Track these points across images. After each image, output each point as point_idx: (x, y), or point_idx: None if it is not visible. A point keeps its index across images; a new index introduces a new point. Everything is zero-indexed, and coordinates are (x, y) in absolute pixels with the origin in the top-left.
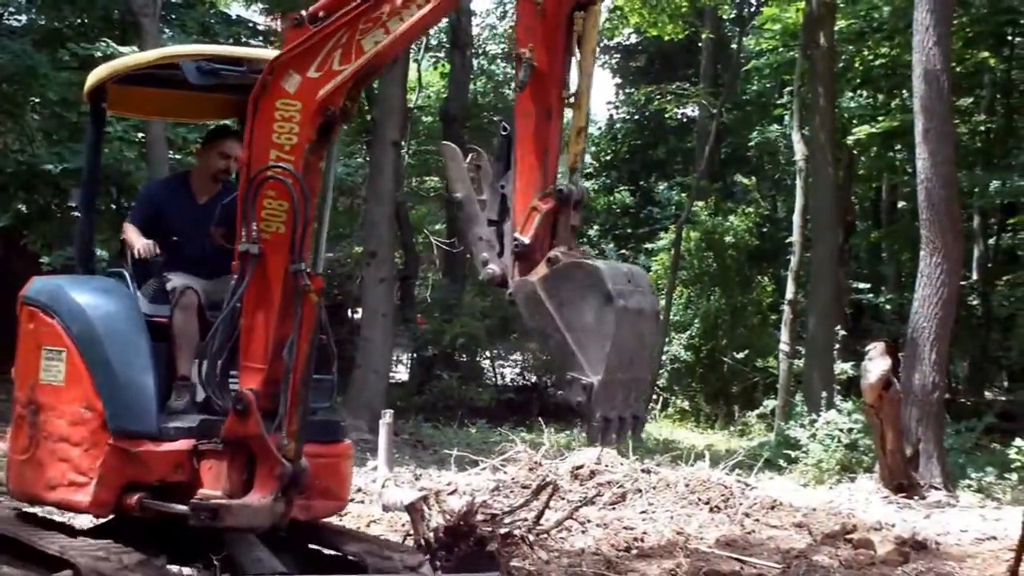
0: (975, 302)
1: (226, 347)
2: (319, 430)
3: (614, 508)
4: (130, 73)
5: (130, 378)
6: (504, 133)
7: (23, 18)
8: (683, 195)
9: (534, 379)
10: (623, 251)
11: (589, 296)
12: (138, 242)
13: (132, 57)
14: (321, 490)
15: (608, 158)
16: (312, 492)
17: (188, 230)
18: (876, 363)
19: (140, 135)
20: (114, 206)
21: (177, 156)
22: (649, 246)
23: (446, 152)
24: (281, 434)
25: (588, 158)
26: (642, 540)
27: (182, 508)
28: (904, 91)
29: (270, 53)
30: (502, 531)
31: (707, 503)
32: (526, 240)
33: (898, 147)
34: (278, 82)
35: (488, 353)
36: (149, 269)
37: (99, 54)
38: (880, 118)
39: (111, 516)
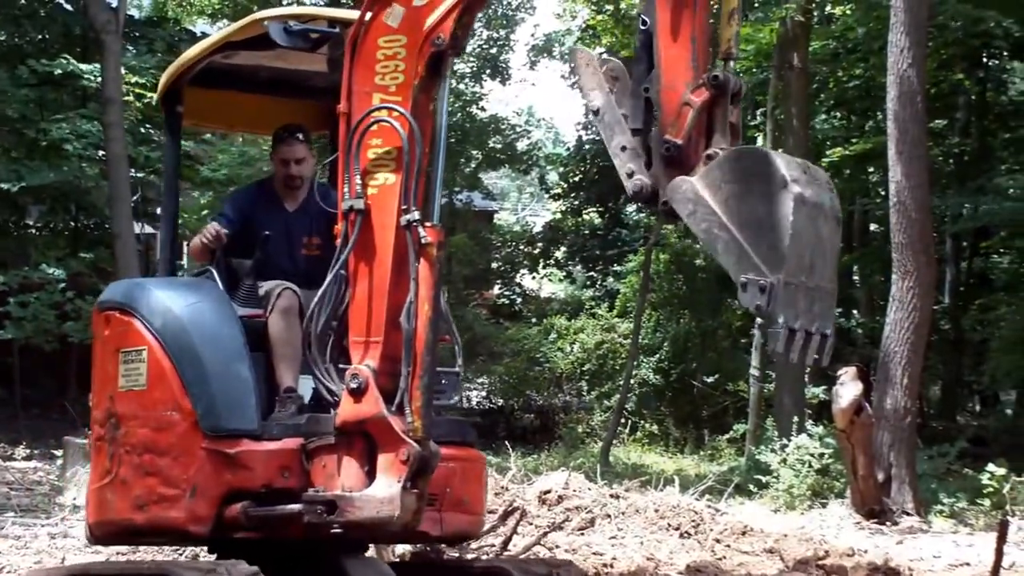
0: (947, 326)
1: (332, 323)
2: (448, 430)
3: (583, 534)
4: (208, 67)
5: (223, 371)
6: (643, 27)
7: None
8: (652, 217)
9: (500, 402)
10: (592, 273)
11: (759, 184)
12: (206, 230)
13: (206, 40)
14: (454, 501)
15: (577, 179)
16: (443, 503)
17: (278, 240)
18: (848, 387)
19: (101, 152)
20: (73, 223)
21: (139, 174)
22: (618, 268)
23: (579, 58)
24: (405, 413)
25: (555, 178)
26: (611, 566)
27: (294, 507)
28: (878, 113)
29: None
30: (469, 557)
31: (677, 528)
32: (678, 141)
33: (871, 169)
34: (379, 17)
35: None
36: (237, 274)
37: (59, 71)
38: (854, 140)
39: (211, 536)
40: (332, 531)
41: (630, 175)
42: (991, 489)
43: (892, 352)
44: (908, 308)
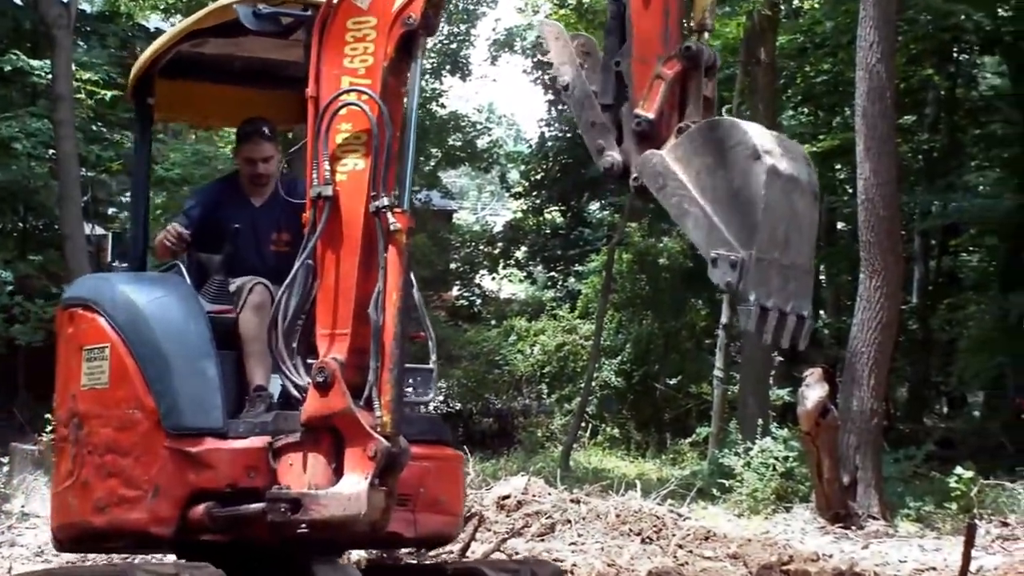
0: (915, 326)
1: (300, 314)
2: (422, 428)
3: (542, 539)
4: (178, 56)
5: (187, 368)
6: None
7: None
8: (615, 215)
9: (458, 406)
10: (553, 273)
11: (731, 156)
12: (168, 230)
13: (175, 28)
14: (428, 501)
15: (538, 177)
16: (417, 503)
17: (246, 236)
18: (813, 389)
19: (50, 151)
20: (21, 224)
21: (90, 174)
22: (580, 268)
23: (548, 31)
24: (374, 408)
25: (516, 176)
26: (572, 573)
27: (258, 506)
28: (846, 108)
29: None
30: (427, 563)
31: (639, 534)
32: (650, 116)
33: (839, 166)
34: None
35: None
36: (206, 269)
37: (8, 67)
38: (821, 136)
39: (174, 538)
40: (298, 531)
41: (600, 151)
42: (958, 492)
43: (859, 353)
44: (875, 308)
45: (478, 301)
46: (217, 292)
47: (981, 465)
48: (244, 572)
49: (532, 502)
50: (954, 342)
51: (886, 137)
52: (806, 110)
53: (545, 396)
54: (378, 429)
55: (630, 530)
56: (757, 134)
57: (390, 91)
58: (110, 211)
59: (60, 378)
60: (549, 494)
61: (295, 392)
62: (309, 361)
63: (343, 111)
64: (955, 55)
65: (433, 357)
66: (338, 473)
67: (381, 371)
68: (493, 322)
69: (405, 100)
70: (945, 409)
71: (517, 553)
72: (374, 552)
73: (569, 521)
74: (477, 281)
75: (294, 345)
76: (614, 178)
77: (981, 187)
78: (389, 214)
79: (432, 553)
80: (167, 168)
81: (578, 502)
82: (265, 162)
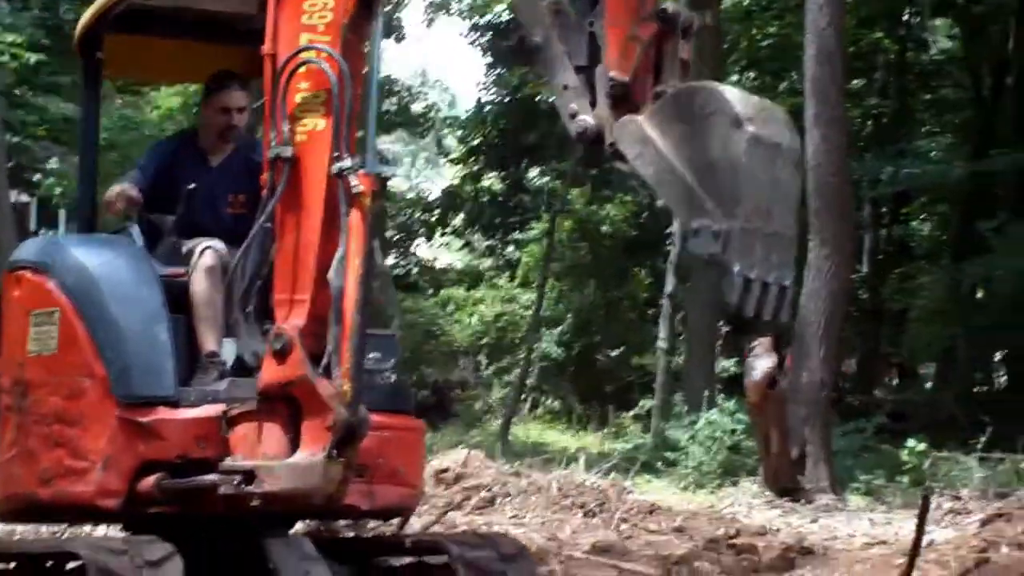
0: (865, 296)
1: (256, 279)
2: (383, 397)
3: (482, 513)
4: (128, 9)
5: (139, 334)
6: None
7: None
8: (556, 182)
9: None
10: (491, 241)
11: (711, 124)
12: (114, 189)
13: None
14: (387, 472)
15: (476, 143)
16: (375, 474)
17: (201, 196)
18: (761, 360)
19: None
20: None
21: (15, 139)
22: (520, 236)
23: None
24: (333, 376)
25: (453, 142)
26: None
27: (210, 478)
28: (794, 73)
29: None
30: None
31: (581, 507)
32: (625, 79)
33: None
34: None
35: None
36: (159, 230)
37: None
38: None
39: (123, 511)
40: (252, 504)
41: (573, 115)
42: (910, 466)
43: (808, 323)
44: (825, 277)
45: (414, 270)
46: (170, 254)
47: (933, 438)
48: (195, 545)
49: (471, 476)
50: (905, 312)
51: (835, 102)
52: (752, 74)
53: (483, 368)
54: (337, 399)
55: (572, 504)
56: (738, 100)
57: (351, 48)
58: (35, 178)
59: (5, 344)
60: (489, 467)
61: (251, 359)
62: (265, 327)
63: (302, 69)
64: (906, 18)
65: (397, 322)
66: (294, 444)
67: (341, 339)
68: (430, 291)
69: (367, 57)
70: (896, 381)
71: (456, 527)
72: (324, 524)
73: (509, 495)
74: (413, 249)
75: (250, 310)
76: (587, 143)
77: (933, 153)
78: (352, 176)
79: (370, 526)
80: None
81: (519, 475)
82: (240, 112)
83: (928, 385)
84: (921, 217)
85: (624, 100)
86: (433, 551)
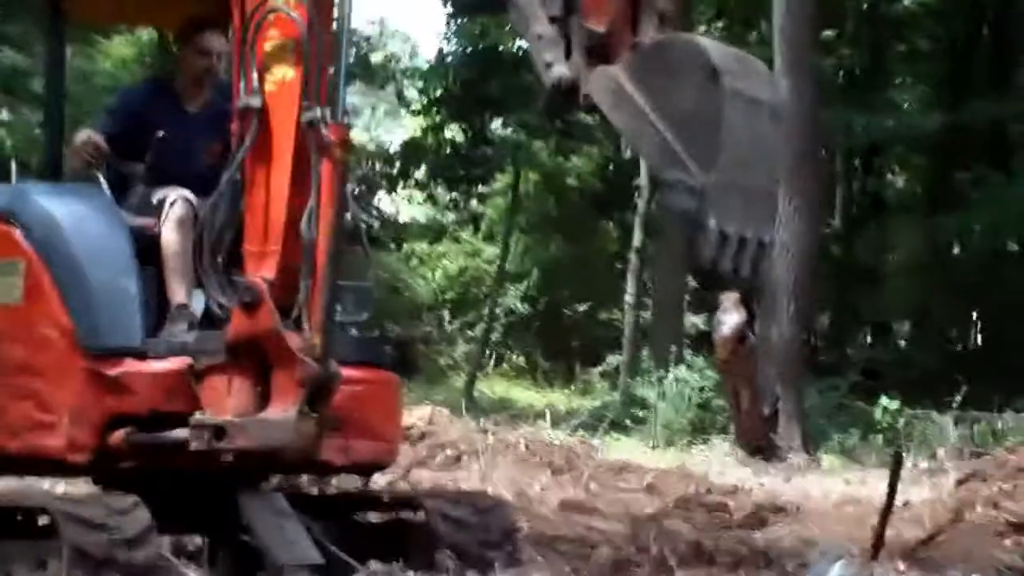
0: (838, 252)
1: (226, 230)
2: (357, 349)
3: (449, 471)
4: None
5: (106, 285)
6: None
7: None
8: (520, 134)
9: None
10: (454, 194)
11: (688, 76)
12: (80, 135)
13: None
14: (361, 427)
15: (438, 94)
16: (350, 429)
17: (174, 144)
18: (730, 315)
19: None
20: None
21: None
22: (483, 189)
23: None
24: (304, 330)
25: (414, 93)
26: None
27: (180, 433)
28: (763, 22)
29: None
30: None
31: (549, 466)
32: (600, 29)
33: None
34: None
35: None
36: (128, 179)
37: None
38: None
39: (92, 466)
40: (223, 460)
41: (548, 66)
42: (884, 425)
43: (778, 277)
44: (794, 231)
45: (376, 224)
46: (140, 204)
47: (907, 396)
48: (167, 501)
49: (437, 433)
50: (879, 268)
51: (805, 52)
52: (719, 24)
53: (447, 323)
54: (307, 352)
55: (540, 461)
56: (716, 52)
57: None
58: None
59: None
60: (454, 424)
61: (219, 311)
62: (235, 279)
63: (270, 17)
64: None
65: (371, 273)
66: (265, 398)
67: (312, 291)
68: (392, 246)
69: (337, 5)
70: (869, 339)
71: (421, 485)
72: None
73: (476, 452)
74: (374, 203)
75: (219, 261)
76: (561, 94)
77: (907, 105)
78: (322, 126)
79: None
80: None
81: (485, 432)
82: (217, 57)
83: (902, 343)
84: (895, 170)
85: (600, 51)
86: (410, 507)
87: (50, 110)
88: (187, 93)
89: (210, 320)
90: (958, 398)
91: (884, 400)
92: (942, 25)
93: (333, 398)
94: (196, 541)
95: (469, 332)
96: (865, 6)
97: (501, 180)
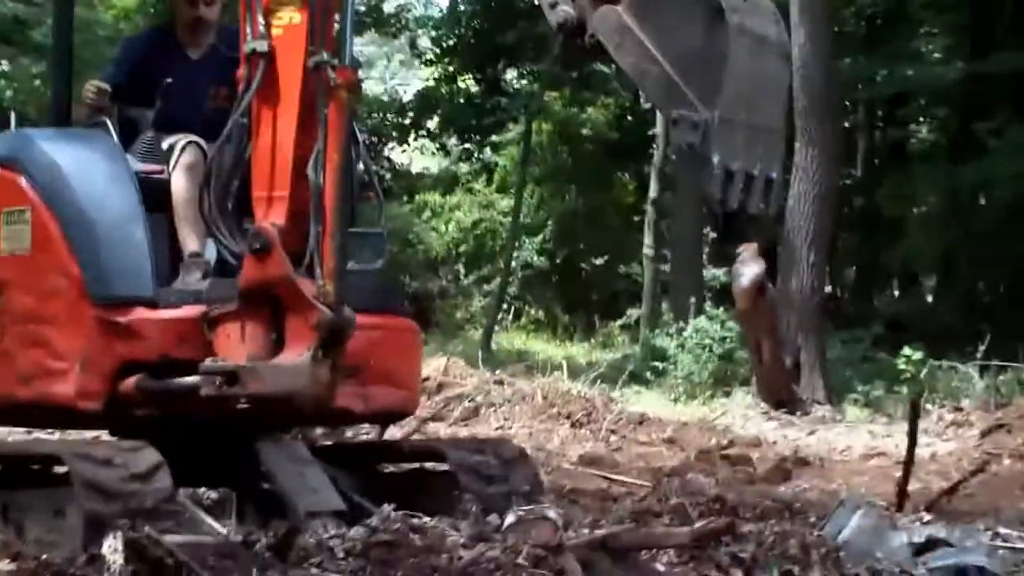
0: (861, 202)
1: (234, 175)
2: (372, 296)
3: (466, 424)
4: None
5: (114, 233)
6: None
7: None
8: (534, 84)
9: None
10: (467, 145)
11: (693, 13)
12: (87, 87)
13: None
14: (380, 374)
15: (450, 43)
16: (368, 376)
17: (180, 90)
18: (748, 266)
19: None
20: None
21: None
22: (496, 139)
23: None
24: (315, 275)
25: (427, 42)
26: None
27: (192, 379)
28: None
29: None
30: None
31: (568, 418)
32: None
33: None
34: None
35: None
36: (136, 126)
37: None
38: None
39: (105, 414)
40: (237, 406)
41: (553, 5)
42: (908, 375)
43: (797, 227)
44: (812, 179)
45: (388, 175)
46: (148, 150)
47: (932, 348)
48: (184, 450)
49: (453, 384)
50: (903, 219)
51: (820, 1)
52: None
53: (463, 276)
54: (320, 298)
55: (559, 413)
56: None
57: None
58: None
59: None
60: (471, 376)
61: (231, 258)
62: (245, 226)
63: None
64: None
65: (383, 220)
66: (279, 344)
67: (322, 236)
68: (404, 197)
69: None
70: (896, 290)
71: (439, 438)
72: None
73: (493, 405)
74: (386, 154)
75: (228, 207)
76: (567, 34)
77: (935, 54)
78: (329, 69)
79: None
80: (45, 34)
81: (502, 383)
82: (207, 5)
83: (930, 298)
84: (918, 120)
85: None
86: (432, 457)
87: (58, 55)
88: (186, 40)
89: (224, 267)
90: (983, 349)
91: (906, 350)
92: None
93: (347, 344)
94: (212, 495)
95: (485, 286)
96: None
97: (514, 130)
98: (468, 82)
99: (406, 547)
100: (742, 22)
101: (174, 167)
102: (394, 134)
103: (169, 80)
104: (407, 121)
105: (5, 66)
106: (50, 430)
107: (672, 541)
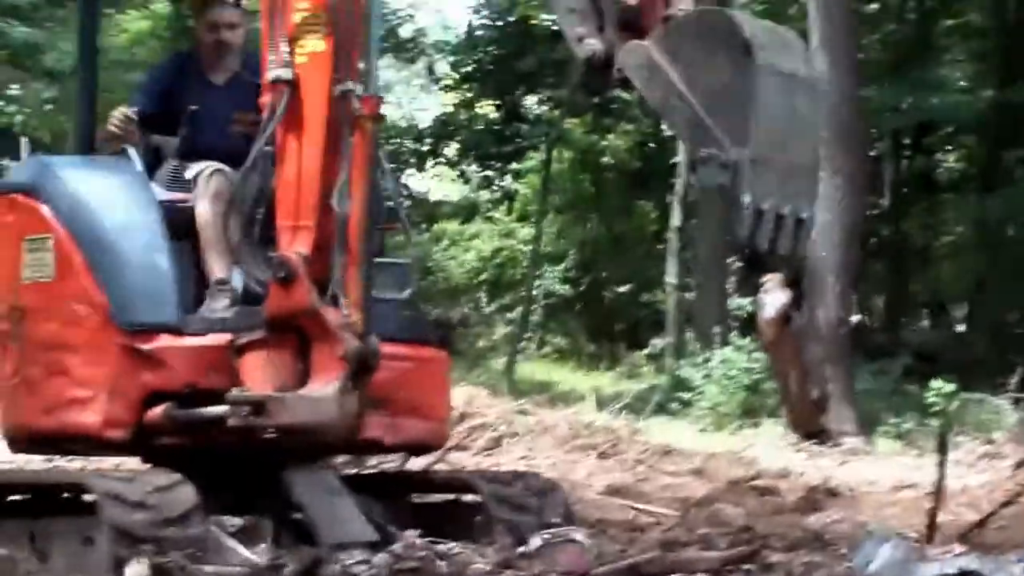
0: (888, 232)
1: (259, 204)
2: (400, 326)
3: (489, 454)
4: None
5: (138, 260)
6: None
7: None
8: (555, 111)
9: None
10: (487, 172)
11: (721, 50)
12: (113, 115)
13: None
14: (408, 405)
15: (469, 69)
16: (397, 407)
17: (204, 116)
18: (773, 296)
19: None
20: None
21: None
22: (516, 167)
23: None
24: (341, 306)
25: (446, 68)
26: None
27: (219, 409)
28: None
29: None
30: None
31: (593, 448)
32: (633, 2)
33: None
34: None
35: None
36: (161, 153)
37: None
38: None
39: (132, 442)
40: (265, 437)
41: (580, 40)
42: (938, 408)
43: (823, 257)
44: (838, 209)
45: (406, 203)
46: (172, 178)
47: (962, 379)
48: (212, 479)
49: (476, 414)
50: (930, 248)
51: (845, 25)
52: None
53: (484, 305)
54: (346, 328)
55: (583, 445)
56: (749, 26)
57: None
58: None
59: (0, 270)
60: (494, 405)
61: (256, 287)
62: (270, 254)
63: None
64: None
65: (411, 250)
66: (306, 375)
67: (348, 266)
68: (423, 225)
69: None
70: (926, 321)
71: (463, 468)
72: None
73: (517, 434)
74: (404, 181)
75: (254, 234)
76: (594, 68)
77: (961, 81)
78: (354, 99)
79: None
80: (58, 59)
81: (526, 413)
82: (230, 29)
83: (961, 328)
84: (945, 149)
85: (633, 24)
86: (463, 489)
87: (83, 81)
88: (209, 66)
89: (252, 295)
90: (1015, 381)
91: (936, 383)
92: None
93: (374, 375)
94: (236, 521)
95: (508, 314)
96: None
97: (535, 158)
98: (487, 108)
99: (431, 574)
100: (772, 60)
101: (199, 195)
102: (411, 160)
103: (193, 107)
104: (425, 148)
105: (16, 90)
106: (70, 457)
107: (701, 566)
